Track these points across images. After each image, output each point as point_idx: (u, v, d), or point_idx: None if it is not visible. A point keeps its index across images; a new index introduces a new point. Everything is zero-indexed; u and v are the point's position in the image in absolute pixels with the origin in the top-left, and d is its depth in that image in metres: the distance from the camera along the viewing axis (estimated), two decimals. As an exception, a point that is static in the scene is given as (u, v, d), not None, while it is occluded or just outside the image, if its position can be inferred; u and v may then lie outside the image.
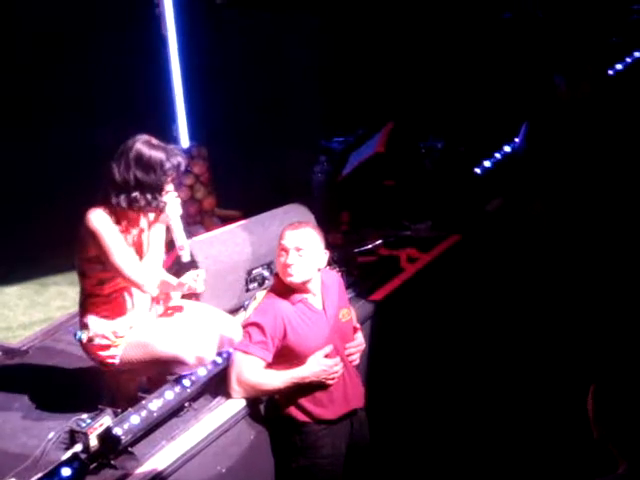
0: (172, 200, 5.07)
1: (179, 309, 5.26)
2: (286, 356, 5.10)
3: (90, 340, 5.06)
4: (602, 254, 6.54)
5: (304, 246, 5.08)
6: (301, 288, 5.13)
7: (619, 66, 8.23)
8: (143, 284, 5.03)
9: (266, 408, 5.23)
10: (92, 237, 4.93)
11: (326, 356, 5.12)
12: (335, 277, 5.38)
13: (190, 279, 5.15)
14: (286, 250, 5.07)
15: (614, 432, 3.76)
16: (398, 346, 6.14)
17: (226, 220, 7.40)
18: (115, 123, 8.64)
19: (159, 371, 5.16)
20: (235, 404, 5.09)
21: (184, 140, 8.24)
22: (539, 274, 6.71)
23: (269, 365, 5.08)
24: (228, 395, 5.11)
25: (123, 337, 5.05)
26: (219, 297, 5.67)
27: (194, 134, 8.36)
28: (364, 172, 7.28)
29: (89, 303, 5.09)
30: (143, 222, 5.12)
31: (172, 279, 5.21)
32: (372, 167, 7.27)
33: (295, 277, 5.09)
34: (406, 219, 7.03)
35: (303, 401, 5.12)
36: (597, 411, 3.78)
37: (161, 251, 5.14)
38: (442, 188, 7.26)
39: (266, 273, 5.96)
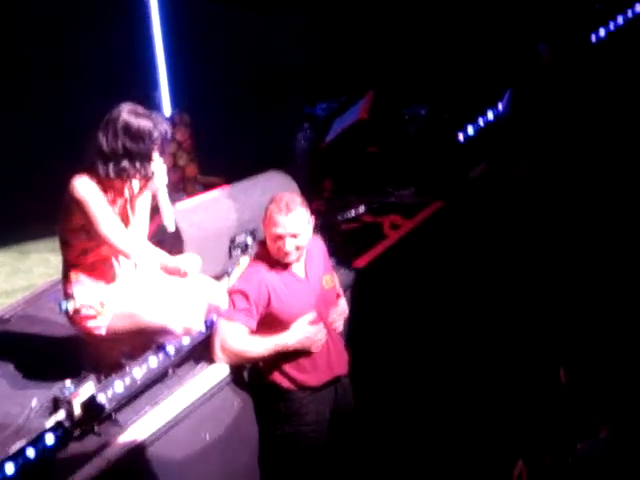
0: (159, 169, 5.05)
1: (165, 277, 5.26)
2: (270, 324, 5.10)
3: (76, 311, 5.03)
4: (585, 218, 6.55)
5: (299, 230, 5.07)
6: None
7: (602, 32, 8.21)
8: (130, 252, 5.01)
9: (250, 375, 5.24)
10: (78, 205, 4.90)
11: (310, 323, 5.12)
12: (319, 244, 5.38)
13: (184, 265, 5.16)
14: (282, 237, 5.06)
15: (591, 400, 3.79)
16: (381, 313, 6.15)
17: (208, 187, 7.36)
18: (97, 91, 8.59)
19: (145, 340, 5.15)
20: (219, 370, 5.09)
21: (166, 107, 8.20)
22: (522, 239, 6.73)
23: (253, 332, 5.08)
24: (212, 362, 5.11)
25: (109, 307, 5.04)
26: (203, 264, 5.65)
27: (176, 101, 8.31)
28: (347, 139, 7.26)
29: (73, 272, 5.06)
30: (128, 191, 5.10)
31: (168, 259, 5.21)
32: (355, 134, 7.25)
33: (293, 258, 5.11)
34: (389, 186, 7.03)
35: (287, 368, 5.12)
36: (571, 381, 3.81)
37: (146, 219, 5.12)
38: (425, 154, 7.25)
39: (249, 240, 5.95)
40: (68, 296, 5.06)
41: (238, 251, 5.89)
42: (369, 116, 7.26)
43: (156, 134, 4.97)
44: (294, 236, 5.06)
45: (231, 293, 5.11)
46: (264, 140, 8.52)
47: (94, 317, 5.02)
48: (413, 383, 6.22)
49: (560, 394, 3.89)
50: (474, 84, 7.96)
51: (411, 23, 8.82)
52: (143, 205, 5.10)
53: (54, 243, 5.33)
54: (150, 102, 7.96)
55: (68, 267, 5.09)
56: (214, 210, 5.90)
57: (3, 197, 8.24)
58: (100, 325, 5.03)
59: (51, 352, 5.44)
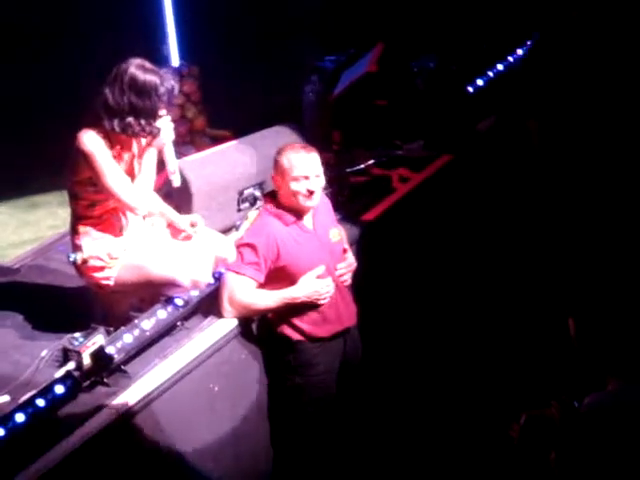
0: (166, 125, 5.04)
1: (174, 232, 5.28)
2: (278, 277, 5.10)
3: (84, 262, 5.04)
4: (594, 170, 6.52)
5: (320, 171, 5.08)
6: (296, 209, 5.13)
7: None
8: (136, 206, 5.01)
9: (259, 327, 5.26)
10: (85, 159, 4.90)
11: (318, 277, 5.13)
12: (324, 198, 5.36)
13: (188, 225, 5.18)
14: (307, 177, 5.03)
15: (599, 352, 3.79)
16: (390, 266, 6.16)
17: (217, 140, 7.38)
18: (105, 43, 8.57)
19: (153, 293, 5.16)
20: (227, 323, 5.10)
21: (174, 59, 8.17)
22: (530, 191, 6.71)
23: (261, 285, 5.09)
24: (220, 315, 5.14)
25: (117, 258, 5.05)
26: (211, 217, 5.66)
27: (184, 53, 8.28)
28: (355, 92, 7.23)
29: (81, 225, 5.07)
30: (135, 146, 5.09)
31: (175, 217, 5.22)
32: (364, 87, 7.22)
33: (315, 202, 5.09)
34: (398, 139, 7.02)
35: (296, 320, 5.14)
36: (580, 334, 3.82)
37: (153, 174, 5.11)
38: (434, 107, 7.22)
39: (257, 193, 5.95)
40: (76, 248, 5.07)
41: (246, 204, 5.90)
42: (377, 68, 7.23)
43: (162, 90, 4.95)
44: (317, 175, 5.06)
45: (240, 246, 5.11)
46: (273, 93, 8.50)
47: (102, 269, 5.04)
48: (419, 334, 6.24)
49: (568, 345, 3.89)
50: (483, 36, 7.92)
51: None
52: (149, 159, 5.09)
53: (62, 196, 5.34)
54: (159, 54, 7.93)
55: (76, 219, 5.10)
56: (222, 163, 5.90)
57: (12, 151, 8.25)
58: (108, 276, 5.04)
59: (60, 303, 5.47)
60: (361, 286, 5.59)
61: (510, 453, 4.00)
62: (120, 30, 8.83)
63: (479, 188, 6.81)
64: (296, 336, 5.14)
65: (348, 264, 5.31)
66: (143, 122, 4.94)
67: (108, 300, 5.18)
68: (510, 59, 7.55)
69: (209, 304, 5.22)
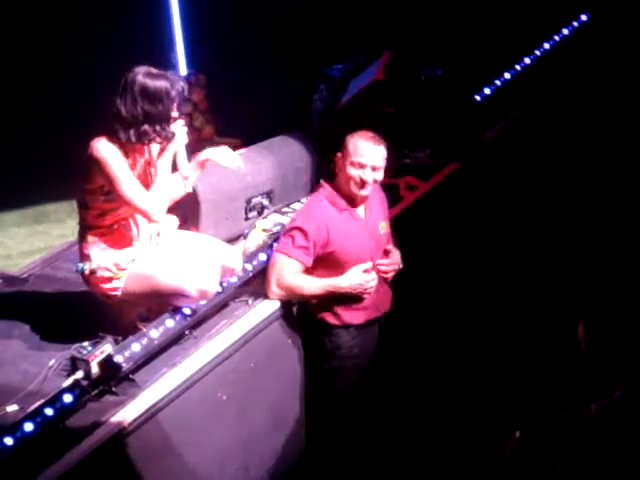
0: (179, 129, 5.06)
1: (180, 241, 5.27)
2: (326, 262, 5.19)
3: (92, 272, 5.05)
4: (603, 182, 6.53)
5: (380, 164, 5.15)
6: (349, 196, 5.19)
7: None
8: (152, 212, 4.99)
9: (298, 311, 5.35)
10: (98, 166, 4.89)
11: (365, 271, 5.19)
12: (377, 189, 5.42)
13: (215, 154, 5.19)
14: (363, 166, 5.11)
15: (608, 360, 3.79)
16: (397, 275, 6.15)
17: (225, 148, 7.36)
18: (113, 52, 8.58)
19: (161, 303, 5.17)
20: (234, 331, 5.12)
21: (182, 67, 8.17)
22: (538, 202, 6.71)
23: (308, 269, 5.16)
24: (266, 297, 5.21)
25: (125, 269, 5.05)
26: (219, 226, 5.68)
27: (192, 62, 8.29)
28: (363, 99, 7.24)
29: (90, 235, 5.08)
30: (147, 153, 5.10)
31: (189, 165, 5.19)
32: (371, 94, 7.23)
33: (366, 191, 5.17)
34: (405, 147, 7.02)
35: (335, 306, 5.24)
36: (589, 340, 3.82)
37: (168, 180, 5.08)
38: (441, 116, 7.23)
39: (265, 202, 5.97)
40: (84, 257, 5.07)
41: (254, 213, 5.92)
42: (385, 77, 7.24)
43: (174, 93, 4.98)
44: (374, 169, 5.12)
45: (292, 229, 5.18)
46: (280, 101, 8.50)
47: (110, 279, 5.05)
48: (427, 340, 6.25)
49: (576, 349, 3.89)
50: (490, 44, 7.93)
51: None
52: (164, 165, 5.07)
53: (71, 205, 5.35)
54: (167, 63, 7.94)
55: (85, 229, 5.10)
56: (230, 172, 5.90)
57: (21, 160, 8.26)
58: (116, 287, 5.05)
59: (69, 312, 5.47)
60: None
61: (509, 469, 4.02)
62: (127, 39, 8.85)
63: (486, 196, 6.81)
64: (333, 320, 5.24)
65: (392, 261, 5.38)
66: (158, 127, 4.96)
67: (116, 309, 5.19)
68: (518, 67, 7.55)
69: (217, 312, 5.24)
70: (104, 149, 4.90)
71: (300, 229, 5.14)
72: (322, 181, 5.34)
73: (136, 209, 5.00)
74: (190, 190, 5.20)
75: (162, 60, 7.72)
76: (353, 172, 5.12)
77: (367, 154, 5.11)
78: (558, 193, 6.80)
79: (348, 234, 5.19)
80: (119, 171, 4.90)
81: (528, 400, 5.79)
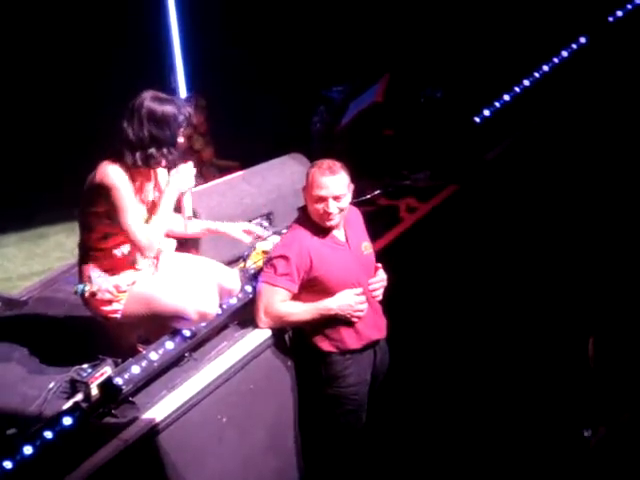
0: (188, 172, 5.08)
1: (179, 263, 5.27)
2: (312, 287, 5.16)
3: (92, 294, 5.06)
4: (605, 208, 6.53)
5: (341, 192, 5.11)
6: (323, 225, 5.18)
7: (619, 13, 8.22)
8: (146, 248, 5.02)
9: (291, 339, 5.31)
10: (107, 191, 4.90)
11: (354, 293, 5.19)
12: (355, 211, 5.42)
13: (242, 234, 5.34)
14: (324, 199, 5.08)
15: (616, 378, 3.77)
16: (397, 296, 6.15)
17: (224, 171, 7.38)
18: (113, 76, 8.61)
19: (161, 325, 5.16)
20: (235, 353, 5.11)
21: (182, 91, 8.19)
22: (538, 223, 6.71)
23: (295, 296, 5.14)
24: (256, 326, 5.18)
25: (125, 292, 5.06)
26: (218, 248, 5.67)
27: (192, 85, 8.31)
28: (363, 122, 7.26)
29: (91, 257, 5.09)
30: (154, 178, 5.13)
31: (226, 227, 5.34)
32: (371, 117, 7.25)
33: (335, 222, 5.15)
34: (405, 169, 7.03)
35: (328, 331, 5.20)
36: (598, 358, 3.80)
37: (168, 218, 5.11)
38: (441, 137, 7.24)
39: (265, 223, 5.97)
40: (85, 279, 5.08)
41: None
42: (385, 99, 7.26)
43: (181, 118, 5.02)
44: (336, 198, 5.09)
45: (273, 258, 5.16)
46: (280, 123, 8.52)
47: (110, 302, 5.05)
48: (432, 358, 6.24)
49: (585, 368, 3.88)
50: (490, 66, 7.95)
51: (427, 6, 8.80)
52: (168, 202, 5.08)
53: (71, 227, 5.36)
54: (167, 86, 7.96)
55: (86, 251, 5.11)
56: (230, 194, 5.92)
57: (20, 183, 8.27)
58: (116, 309, 5.05)
59: (68, 334, 5.46)
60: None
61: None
62: (128, 62, 8.87)
63: (486, 218, 6.81)
64: (327, 347, 5.20)
65: (380, 279, 5.35)
66: (165, 151, 4.99)
67: (115, 331, 5.18)
68: (517, 89, 7.57)
69: (217, 335, 5.23)
70: (115, 176, 4.91)
71: (282, 256, 5.11)
72: (298, 209, 5.34)
73: (133, 241, 5.01)
74: (190, 214, 5.22)
75: (162, 83, 7.75)
76: (316, 205, 5.10)
77: (325, 186, 5.07)
78: (559, 214, 6.79)
79: (331, 259, 5.15)
80: (125, 200, 4.92)
81: (536, 423, 5.80)
